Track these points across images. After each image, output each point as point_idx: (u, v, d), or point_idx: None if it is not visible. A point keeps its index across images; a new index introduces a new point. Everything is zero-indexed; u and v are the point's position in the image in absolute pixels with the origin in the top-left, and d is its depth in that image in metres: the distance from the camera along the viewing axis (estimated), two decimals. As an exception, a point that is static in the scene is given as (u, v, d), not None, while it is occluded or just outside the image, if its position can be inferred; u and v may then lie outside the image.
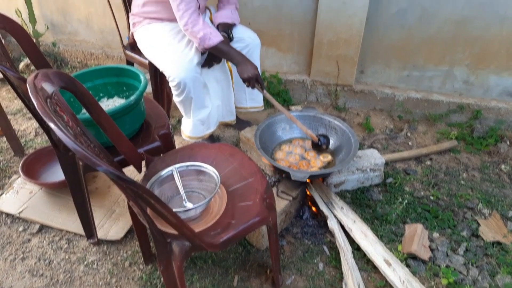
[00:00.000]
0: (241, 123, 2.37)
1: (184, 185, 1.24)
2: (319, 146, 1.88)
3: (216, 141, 2.28)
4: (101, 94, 1.62)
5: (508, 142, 2.24)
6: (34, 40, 2.97)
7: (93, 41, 3.03)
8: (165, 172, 1.24)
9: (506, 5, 1.99)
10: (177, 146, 2.08)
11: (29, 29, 2.89)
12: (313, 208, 1.81)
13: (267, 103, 2.63)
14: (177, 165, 1.26)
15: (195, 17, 1.70)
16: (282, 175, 1.83)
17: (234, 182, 1.28)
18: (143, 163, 1.37)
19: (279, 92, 2.63)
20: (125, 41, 2.27)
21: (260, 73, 2.13)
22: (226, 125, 2.39)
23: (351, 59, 2.37)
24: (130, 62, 2.27)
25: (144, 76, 1.49)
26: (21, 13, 2.82)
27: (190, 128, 1.99)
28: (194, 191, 1.27)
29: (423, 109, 2.45)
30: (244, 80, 1.77)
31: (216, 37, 1.74)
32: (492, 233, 1.67)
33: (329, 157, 1.89)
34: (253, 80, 1.75)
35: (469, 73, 2.27)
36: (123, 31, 2.20)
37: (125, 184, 0.78)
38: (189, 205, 1.19)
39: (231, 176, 1.31)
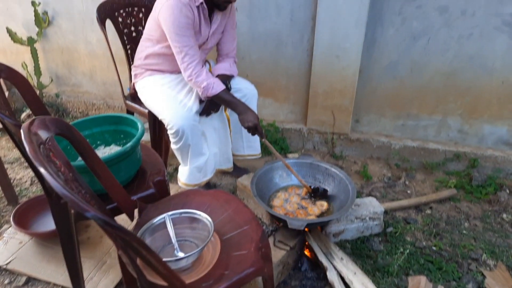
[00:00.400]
0: (238, 170, 2.37)
1: (177, 234, 1.21)
2: (315, 196, 1.89)
3: (212, 188, 2.26)
4: (98, 142, 1.63)
5: (507, 191, 2.22)
6: (38, 92, 3.06)
7: (95, 92, 3.12)
8: (157, 219, 1.21)
9: (494, 58, 2.07)
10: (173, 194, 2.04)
11: (33, 81, 2.99)
12: (309, 254, 1.75)
13: (264, 150, 2.65)
14: (170, 213, 1.23)
15: (199, 68, 1.79)
16: (279, 223, 1.79)
17: (228, 230, 1.25)
18: (136, 210, 1.35)
19: (276, 140, 2.66)
20: (126, 92, 2.34)
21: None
22: (223, 172, 2.38)
23: (346, 109, 2.42)
24: (130, 112, 2.32)
25: (142, 124, 1.51)
26: (27, 66, 2.94)
27: (186, 175, 1.98)
28: (187, 240, 1.23)
29: (420, 158, 2.45)
30: (245, 128, 1.83)
31: (218, 86, 1.81)
32: (498, 286, 1.59)
33: (325, 205, 1.86)
34: (253, 129, 1.81)
35: (462, 122, 2.31)
36: (125, 82, 2.27)
37: (114, 231, 0.76)
38: (180, 254, 1.14)
39: (225, 224, 1.27)
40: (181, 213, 1.25)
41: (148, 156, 1.66)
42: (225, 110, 2.08)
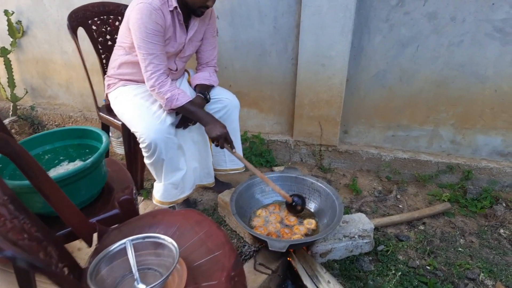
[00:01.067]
0: (220, 185, 2.23)
1: (139, 261, 1.06)
2: (293, 207, 1.75)
3: (192, 205, 2.12)
4: (61, 157, 1.49)
5: (504, 204, 2.11)
6: (12, 104, 2.92)
7: (72, 104, 2.98)
8: (116, 246, 1.07)
9: (486, 66, 1.98)
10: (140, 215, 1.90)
11: (7, 93, 2.85)
12: (293, 278, 1.61)
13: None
14: (132, 237, 1.09)
15: (163, 78, 1.68)
16: (261, 244, 1.65)
17: (198, 256, 1.11)
18: (96, 235, 1.20)
19: (262, 153, 2.54)
20: (102, 103, 2.21)
21: (239, 134, 2.06)
22: (204, 188, 2.24)
23: (333, 119, 2.31)
24: (105, 124, 2.19)
25: (106, 137, 1.38)
26: (-1, 78, 2.81)
27: (161, 192, 1.84)
28: (151, 268, 1.09)
29: (412, 170, 2.34)
30: (213, 140, 1.70)
31: (183, 98, 1.69)
32: (499, 310, 1.46)
33: (313, 223, 1.73)
34: (221, 139, 1.68)
35: (455, 132, 2.21)
36: (101, 93, 2.14)
37: (40, 273, 0.62)
38: (140, 286, 1.00)
39: (195, 249, 1.13)
40: (144, 237, 1.11)
41: (116, 172, 1.52)
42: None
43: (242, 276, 1.10)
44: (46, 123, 3.04)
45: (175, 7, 1.65)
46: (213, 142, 1.72)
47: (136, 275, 1.03)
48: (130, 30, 1.64)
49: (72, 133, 1.48)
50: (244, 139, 2.53)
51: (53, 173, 1.46)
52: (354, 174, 2.46)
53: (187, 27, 1.79)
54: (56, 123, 3.02)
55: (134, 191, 1.44)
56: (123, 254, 1.07)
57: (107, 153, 2.47)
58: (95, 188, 1.34)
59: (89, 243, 1.17)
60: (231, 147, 1.72)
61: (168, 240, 1.08)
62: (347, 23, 2.01)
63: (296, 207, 1.74)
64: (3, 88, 2.82)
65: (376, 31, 2.06)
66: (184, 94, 1.71)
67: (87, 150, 1.50)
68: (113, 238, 1.16)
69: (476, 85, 2.04)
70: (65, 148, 1.49)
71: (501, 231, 1.95)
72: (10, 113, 2.94)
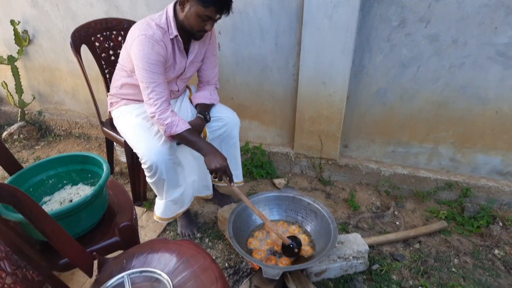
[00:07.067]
0: (220, 197, 2.29)
1: (136, 295, 1.12)
2: (290, 249, 1.68)
3: (193, 217, 2.17)
4: (64, 181, 1.55)
5: (500, 224, 2.13)
6: (19, 110, 2.98)
7: (78, 111, 3.04)
8: (114, 280, 1.13)
9: (487, 88, 1.97)
10: (150, 224, 1.97)
11: (14, 99, 2.91)
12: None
13: (249, 175, 2.57)
14: (129, 272, 1.15)
15: (165, 106, 1.68)
16: (256, 268, 1.70)
17: (191, 290, 1.16)
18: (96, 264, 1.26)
19: (262, 164, 2.57)
20: (107, 116, 2.26)
21: (239, 150, 2.10)
22: (205, 199, 2.30)
23: (333, 135, 2.33)
24: (108, 138, 2.24)
25: (107, 166, 1.42)
26: (7, 85, 2.86)
27: (162, 209, 1.90)
28: (147, 302, 1.15)
29: (411, 185, 2.36)
30: (211, 171, 1.67)
31: (183, 125, 1.69)
32: None
33: (307, 239, 1.78)
34: (221, 172, 1.64)
35: (455, 151, 2.22)
36: (106, 102, 2.17)
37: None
38: (136, 323, 1.06)
39: (189, 283, 1.18)
40: (141, 271, 1.17)
41: (117, 195, 1.58)
42: (204, 136, 1.99)
43: (233, 312, 1.15)
44: (53, 128, 3.11)
45: (176, 36, 1.67)
46: (211, 174, 1.69)
47: (133, 310, 1.09)
48: (132, 59, 1.66)
49: (75, 159, 1.53)
50: (245, 150, 2.57)
51: (57, 196, 1.53)
52: (353, 187, 2.49)
53: (187, 50, 1.81)
54: (63, 129, 3.08)
55: (134, 216, 1.50)
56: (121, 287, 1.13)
57: (111, 165, 2.53)
58: (96, 216, 1.39)
59: (89, 274, 1.23)
60: (230, 180, 1.69)
61: (164, 277, 1.13)
62: (348, 43, 2.01)
63: (293, 250, 1.67)
64: (11, 94, 2.89)
65: (377, 51, 2.06)
66: (184, 122, 1.70)
67: (89, 175, 1.55)
68: (112, 268, 1.22)
69: (477, 106, 2.04)
70: (68, 173, 1.55)
71: (496, 251, 1.97)
72: (19, 118, 3.01)
